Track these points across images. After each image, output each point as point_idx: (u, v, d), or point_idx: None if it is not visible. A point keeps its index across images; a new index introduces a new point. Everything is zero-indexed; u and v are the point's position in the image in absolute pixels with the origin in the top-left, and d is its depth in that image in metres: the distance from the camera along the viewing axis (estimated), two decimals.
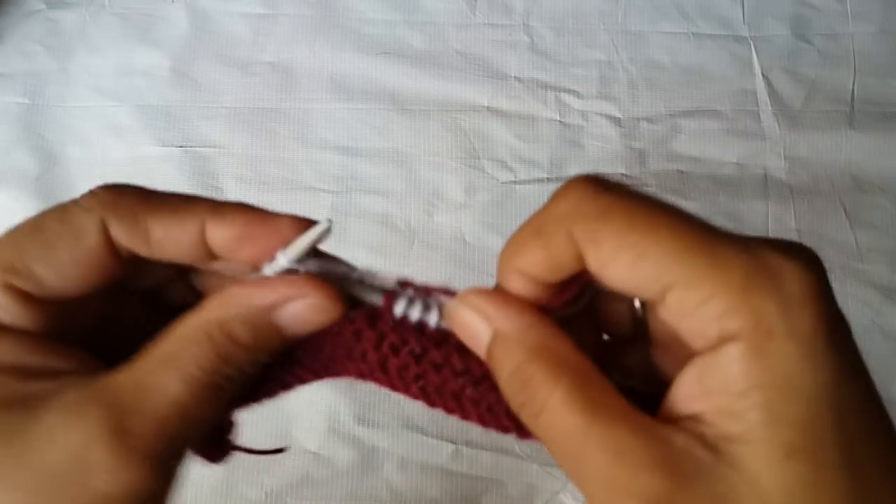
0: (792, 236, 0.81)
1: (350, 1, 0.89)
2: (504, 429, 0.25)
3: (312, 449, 0.72)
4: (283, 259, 0.25)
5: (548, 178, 0.82)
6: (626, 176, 0.82)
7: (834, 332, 0.20)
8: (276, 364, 0.27)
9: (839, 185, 0.81)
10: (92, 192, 0.25)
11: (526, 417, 0.23)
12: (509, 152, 0.83)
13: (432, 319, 0.26)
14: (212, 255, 0.26)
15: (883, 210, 0.80)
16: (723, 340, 0.20)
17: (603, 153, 0.83)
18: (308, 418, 0.73)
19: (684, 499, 0.19)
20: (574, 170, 0.82)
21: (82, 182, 0.82)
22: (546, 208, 0.23)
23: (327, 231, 0.26)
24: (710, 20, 0.88)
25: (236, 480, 0.71)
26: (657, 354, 0.26)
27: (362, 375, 0.27)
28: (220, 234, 0.25)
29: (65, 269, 0.24)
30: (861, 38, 0.86)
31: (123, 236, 0.24)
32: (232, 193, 0.82)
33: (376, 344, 0.25)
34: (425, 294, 0.26)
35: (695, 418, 0.20)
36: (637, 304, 0.26)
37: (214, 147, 0.84)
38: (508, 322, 0.23)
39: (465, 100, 0.85)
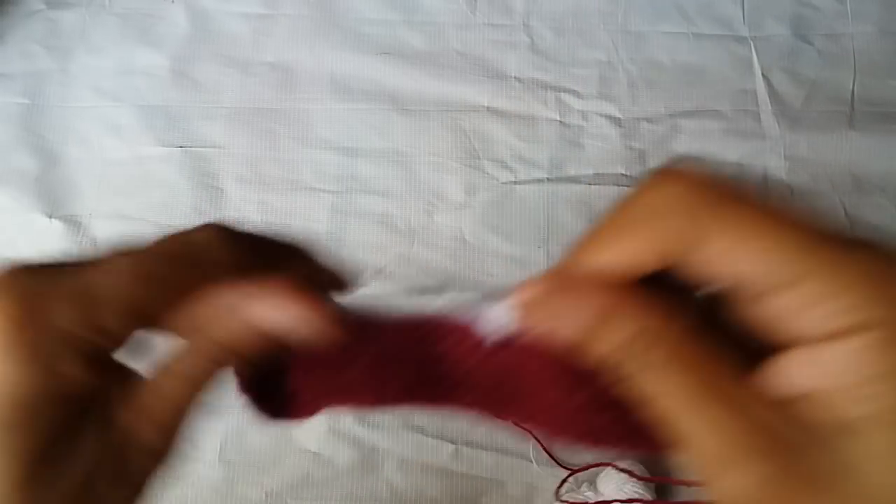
0: None
1: (350, 1, 0.89)
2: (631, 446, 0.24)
3: (312, 449, 0.72)
4: None
5: (548, 179, 0.82)
6: (626, 176, 0.82)
7: None
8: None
9: (839, 185, 0.81)
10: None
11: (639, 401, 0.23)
12: (509, 152, 0.83)
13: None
14: None
15: (883, 210, 0.80)
16: (853, 330, 0.19)
17: (603, 153, 0.83)
18: None
19: (791, 482, 0.19)
20: (574, 170, 0.82)
21: (82, 182, 0.82)
22: (636, 201, 0.22)
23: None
24: (710, 20, 0.88)
25: (236, 480, 0.71)
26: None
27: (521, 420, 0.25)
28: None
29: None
30: (861, 38, 0.86)
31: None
32: (232, 193, 0.82)
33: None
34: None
35: (803, 400, 0.20)
36: None
37: (214, 147, 0.84)
38: (602, 306, 0.22)
39: (465, 100, 0.85)
